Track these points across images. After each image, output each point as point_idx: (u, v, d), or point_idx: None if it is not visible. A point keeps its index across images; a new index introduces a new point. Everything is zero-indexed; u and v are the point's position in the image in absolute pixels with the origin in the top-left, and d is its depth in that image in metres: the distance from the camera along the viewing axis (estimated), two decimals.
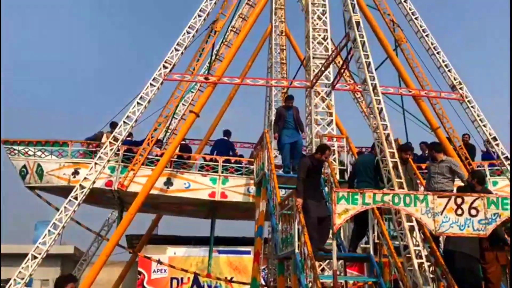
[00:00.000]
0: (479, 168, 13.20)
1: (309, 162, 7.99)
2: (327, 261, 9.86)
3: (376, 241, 7.65)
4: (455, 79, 13.04)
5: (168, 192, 12.48)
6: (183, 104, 14.99)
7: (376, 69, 9.13)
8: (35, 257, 10.92)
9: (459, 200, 5.77)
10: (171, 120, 14.28)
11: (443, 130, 13.27)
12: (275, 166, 9.48)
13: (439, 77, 13.37)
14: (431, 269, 6.94)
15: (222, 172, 12.90)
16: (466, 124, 13.25)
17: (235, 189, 12.79)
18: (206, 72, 14.41)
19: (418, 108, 12.99)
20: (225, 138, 14.16)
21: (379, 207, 6.80)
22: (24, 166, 12.37)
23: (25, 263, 10.90)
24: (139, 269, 20.08)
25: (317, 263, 7.22)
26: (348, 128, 15.29)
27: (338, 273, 6.74)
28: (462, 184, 8.02)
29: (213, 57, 14.62)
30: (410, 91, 12.57)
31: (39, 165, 12.30)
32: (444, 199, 5.77)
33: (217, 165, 12.90)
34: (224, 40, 15.46)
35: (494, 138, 12.69)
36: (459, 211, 5.76)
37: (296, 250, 7.13)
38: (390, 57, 13.01)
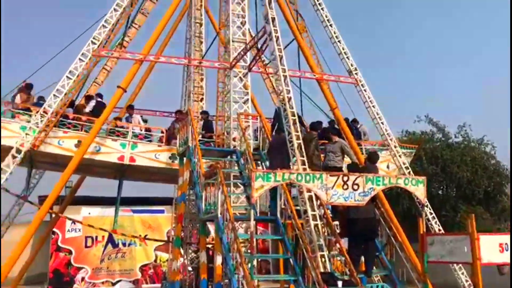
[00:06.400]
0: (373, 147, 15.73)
1: None
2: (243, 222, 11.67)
3: (282, 207, 9.49)
4: (352, 65, 15.14)
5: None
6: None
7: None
8: None
9: (345, 178, 7.68)
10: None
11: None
12: None
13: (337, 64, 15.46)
14: (323, 229, 8.91)
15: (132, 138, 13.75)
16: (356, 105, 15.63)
17: (144, 154, 13.75)
18: (122, 38, 15.16)
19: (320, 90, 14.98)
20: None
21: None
22: None
23: None
24: (53, 229, 20.63)
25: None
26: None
27: None
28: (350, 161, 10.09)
29: (129, 24, 15.41)
30: (314, 75, 14.43)
31: None
32: (335, 177, 7.65)
33: (127, 131, 13.73)
34: (140, 9, 16.05)
35: (380, 118, 15.11)
36: (345, 186, 7.67)
37: (219, 215, 8.73)
38: (299, 44, 14.73)
